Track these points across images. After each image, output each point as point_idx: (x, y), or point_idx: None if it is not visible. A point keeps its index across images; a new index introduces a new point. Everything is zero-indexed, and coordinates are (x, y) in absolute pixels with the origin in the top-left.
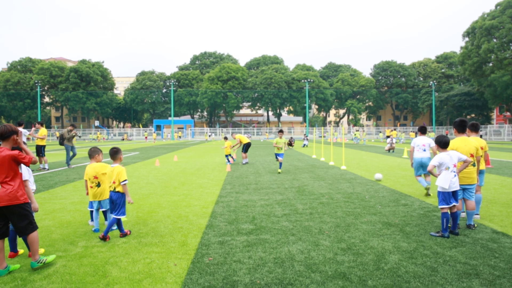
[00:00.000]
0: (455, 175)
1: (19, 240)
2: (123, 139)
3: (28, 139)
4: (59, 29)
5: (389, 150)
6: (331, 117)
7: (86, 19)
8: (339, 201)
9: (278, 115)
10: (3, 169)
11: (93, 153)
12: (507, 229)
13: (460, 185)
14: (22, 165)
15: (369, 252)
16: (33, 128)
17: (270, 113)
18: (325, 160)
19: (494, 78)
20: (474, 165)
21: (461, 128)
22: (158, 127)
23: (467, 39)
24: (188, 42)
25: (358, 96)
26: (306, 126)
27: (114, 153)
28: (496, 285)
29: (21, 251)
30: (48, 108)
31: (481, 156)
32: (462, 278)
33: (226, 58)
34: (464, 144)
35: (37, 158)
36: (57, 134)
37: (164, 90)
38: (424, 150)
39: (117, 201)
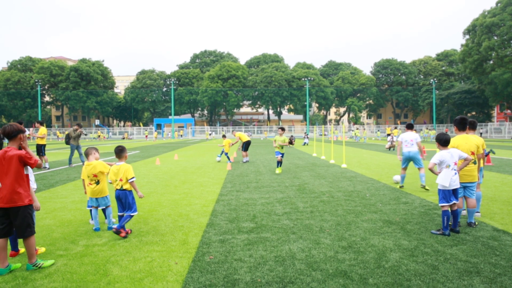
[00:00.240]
0: (455, 173)
1: (20, 239)
2: (124, 138)
3: (28, 138)
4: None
5: (389, 148)
6: (332, 115)
7: (86, 18)
8: (340, 199)
9: (279, 114)
10: (11, 168)
11: (90, 152)
12: (508, 227)
13: (461, 183)
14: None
15: (370, 250)
16: (33, 128)
17: (271, 111)
18: (326, 158)
19: (495, 76)
20: (475, 163)
21: (461, 126)
22: (159, 126)
23: (467, 36)
24: (188, 40)
25: (358, 94)
26: (306, 125)
27: (120, 151)
28: (497, 283)
29: (22, 250)
30: (48, 107)
31: (482, 153)
32: (463, 276)
33: (226, 57)
34: (465, 142)
35: (41, 161)
36: (58, 133)
37: (165, 89)
38: (412, 145)
39: (126, 199)
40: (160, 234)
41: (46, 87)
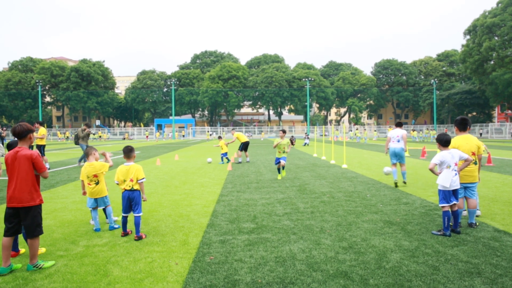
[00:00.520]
0: (456, 174)
1: (21, 239)
2: (124, 139)
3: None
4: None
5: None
6: (332, 115)
7: (86, 18)
8: (340, 200)
9: (279, 114)
10: (22, 168)
11: (90, 152)
12: (509, 227)
13: (461, 183)
14: None
15: (370, 251)
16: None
17: (271, 112)
18: (326, 158)
19: (496, 76)
20: (475, 163)
21: (462, 126)
22: (159, 126)
23: (468, 37)
24: (188, 41)
25: (359, 95)
26: (307, 125)
27: (129, 151)
28: (498, 284)
29: (22, 250)
30: (49, 107)
31: (482, 154)
32: (464, 276)
33: (227, 57)
34: (466, 142)
35: (48, 173)
36: (59, 133)
37: (165, 89)
38: (398, 141)
39: (136, 200)
40: (161, 235)
41: (46, 88)
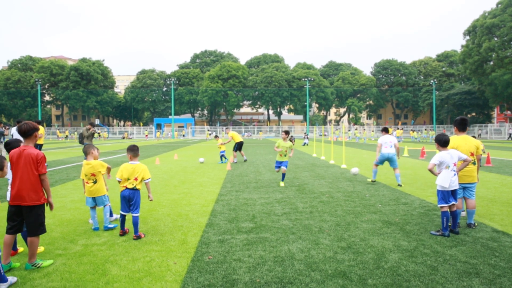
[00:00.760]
0: (454, 174)
1: (19, 238)
2: (124, 138)
3: None
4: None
5: None
6: (332, 115)
7: (86, 17)
8: (339, 200)
9: (279, 114)
10: (26, 167)
11: (88, 150)
12: (508, 228)
13: (460, 183)
14: None
15: (369, 251)
16: None
17: (271, 111)
18: (325, 158)
19: (495, 77)
20: (474, 163)
21: (462, 126)
22: (159, 126)
23: (468, 37)
24: (188, 40)
25: (358, 95)
26: (306, 125)
27: (136, 150)
28: (496, 284)
29: (20, 249)
30: (48, 106)
31: (481, 154)
32: (462, 277)
33: (227, 57)
34: (465, 143)
35: (47, 178)
36: (58, 132)
37: (165, 89)
38: (391, 147)
39: (136, 199)
40: (159, 234)
41: (46, 87)
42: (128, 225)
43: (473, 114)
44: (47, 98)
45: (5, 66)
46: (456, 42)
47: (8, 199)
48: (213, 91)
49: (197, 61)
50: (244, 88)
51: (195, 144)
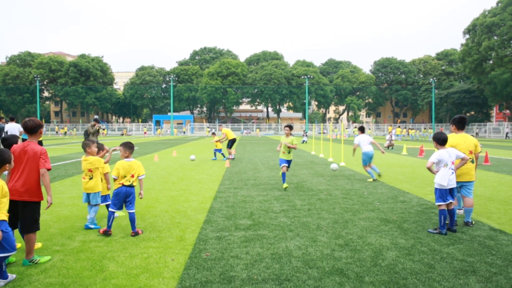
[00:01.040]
0: (452, 172)
1: (17, 234)
2: (123, 134)
3: (21, 133)
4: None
5: (388, 147)
6: (331, 113)
7: (85, 14)
8: (338, 198)
9: (278, 111)
10: (28, 163)
11: (86, 146)
12: (505, 226)
13: (458, 182)
14: None
15: (366, 249)
16: None
17: (270, 109)
18: (324, 156)
19: (494, 76)
20: (472, 161)
21: (460, 125)
22: (158, 123)
23: (467, 36)
24: (188, 37)
25: (358, 93)
26: (305, 123)
27: (132, 147)
28: (493, 282)
29: (18, 245)
30: (47, 102)
31: (479, 152)
32: (459, 275)
33: (226, 54)
34: (463, 141)
35: (48, 175)
36: (57, 128)
37: (164, 86)
38: (369, 144)
39: (132, 196)
40: (157, 231)
41: (45, 83)
42: (125, 222)
43: (472, 113)
44: (45, 94)
45: (3, 62)
46: (456, 41)
47: None
48: (212, 88)
49: (197, 58)
50: (244, 85)
51: (194, 141)
